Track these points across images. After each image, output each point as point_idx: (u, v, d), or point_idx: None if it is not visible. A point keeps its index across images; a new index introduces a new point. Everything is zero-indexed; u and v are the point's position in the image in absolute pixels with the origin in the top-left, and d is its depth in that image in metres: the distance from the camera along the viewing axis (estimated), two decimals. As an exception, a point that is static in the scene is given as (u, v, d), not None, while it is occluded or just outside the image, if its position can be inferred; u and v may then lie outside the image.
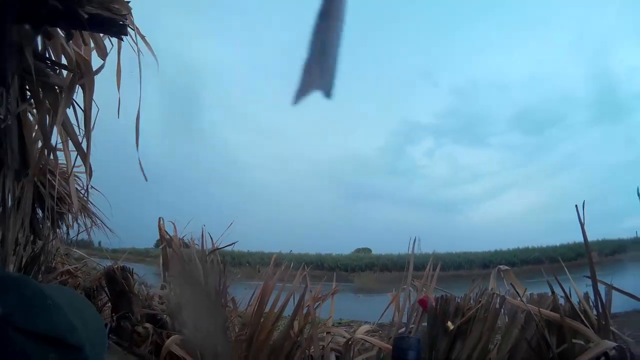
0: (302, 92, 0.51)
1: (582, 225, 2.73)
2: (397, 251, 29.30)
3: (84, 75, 2.33)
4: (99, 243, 6.58)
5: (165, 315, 3.61)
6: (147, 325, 3.47)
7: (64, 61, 2.31)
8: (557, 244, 28.88)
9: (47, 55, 2.28)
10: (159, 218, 4.28)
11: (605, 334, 2.58)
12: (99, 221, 4.95)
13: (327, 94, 0.51)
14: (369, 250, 31.63)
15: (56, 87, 2.34)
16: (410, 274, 3.70)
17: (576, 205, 2.72)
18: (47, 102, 2.36)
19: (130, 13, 1.94)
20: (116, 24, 1.86)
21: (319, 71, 0.52)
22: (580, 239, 2.88)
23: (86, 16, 1.68)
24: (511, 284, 3.21)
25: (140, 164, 2.44)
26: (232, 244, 3.92)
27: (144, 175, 2.46)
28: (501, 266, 3.65)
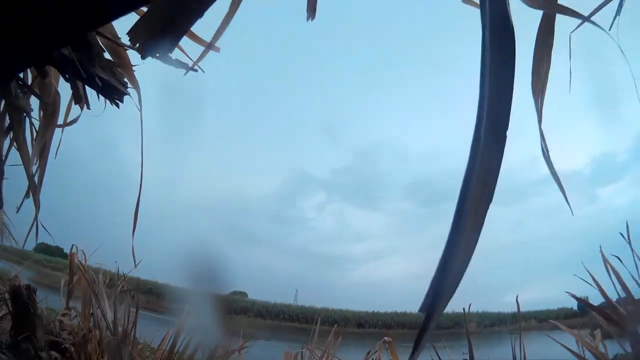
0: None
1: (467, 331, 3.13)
2: (274, 299, 29.57)
3: (53, 114, 2.44)
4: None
5: (70, 346, 3.54)
6: (54, 353, 3.39)
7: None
8: None
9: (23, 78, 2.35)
10: (72, 245, 4.25)
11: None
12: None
13: None
14: (245, 294, 31.31)
15: (23, 111, 2.41)
16: (316, 331, 3.92)
17: (464, 308, 3.12)
18: (10, 121, 2.41)
19: (137, 86, 2.11)
20: (118, 92, 2.03)
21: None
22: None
23: (100, 84, 1.84)
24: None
25: (132, 250, 2.50)
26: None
27: (135, 261, 2.54)
28: (386, 338, 4.03)
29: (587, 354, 3.18)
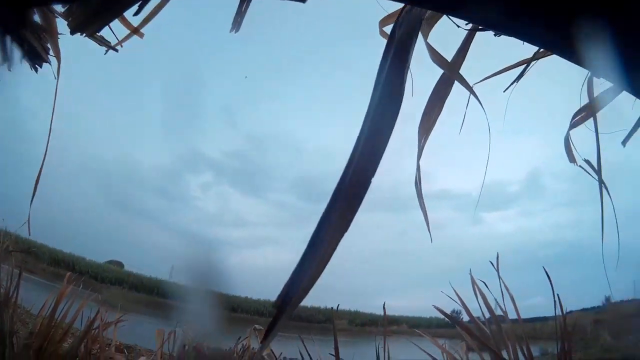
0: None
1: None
2: (149, 273, 28.59)
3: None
4: None
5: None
6: None
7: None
8: (308, 306, 31.52)
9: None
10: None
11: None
12: None
13: None
14: (122, 265, 30.24)
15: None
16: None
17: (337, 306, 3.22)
18: None
19: (59, 55, 2.10)
20: (40, 58, 2.02)
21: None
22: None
23: (27, 47, 1.85)
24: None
25: (29, 218, 2.46)
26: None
27: (29, 230, 2.49)
28: (256, 325, 4.20)
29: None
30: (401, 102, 1.03)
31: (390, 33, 1.18)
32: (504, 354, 2.95)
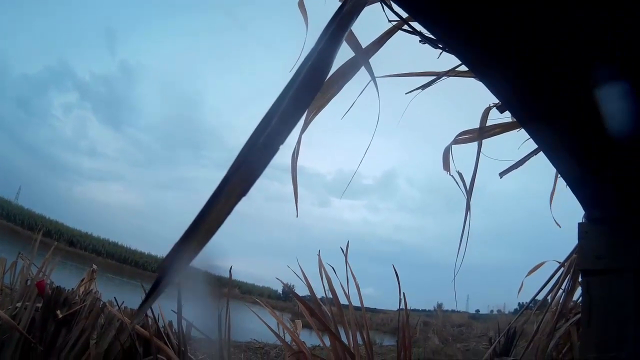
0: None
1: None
2: None
3: None
4: None
5: None
6: None
7: None
8: (145, 252, 32.24)
9: None
10: None
11: (183, 356, 3.15)
12: None
13: None
14: None
15: None
16: (37, 241, 3.93)
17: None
18: None
19: None
20: None
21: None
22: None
23: None
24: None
25: None
26: None
27: None
28: (94, 266, 4.13)
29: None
30: (326, 76, 1.00)
31: (340, 7, 1.15)
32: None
